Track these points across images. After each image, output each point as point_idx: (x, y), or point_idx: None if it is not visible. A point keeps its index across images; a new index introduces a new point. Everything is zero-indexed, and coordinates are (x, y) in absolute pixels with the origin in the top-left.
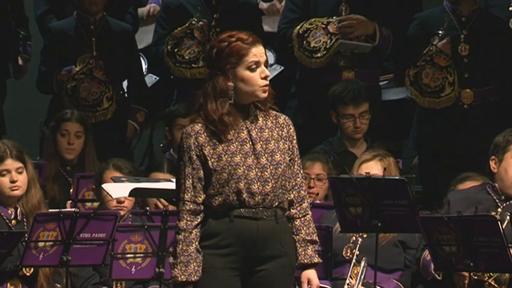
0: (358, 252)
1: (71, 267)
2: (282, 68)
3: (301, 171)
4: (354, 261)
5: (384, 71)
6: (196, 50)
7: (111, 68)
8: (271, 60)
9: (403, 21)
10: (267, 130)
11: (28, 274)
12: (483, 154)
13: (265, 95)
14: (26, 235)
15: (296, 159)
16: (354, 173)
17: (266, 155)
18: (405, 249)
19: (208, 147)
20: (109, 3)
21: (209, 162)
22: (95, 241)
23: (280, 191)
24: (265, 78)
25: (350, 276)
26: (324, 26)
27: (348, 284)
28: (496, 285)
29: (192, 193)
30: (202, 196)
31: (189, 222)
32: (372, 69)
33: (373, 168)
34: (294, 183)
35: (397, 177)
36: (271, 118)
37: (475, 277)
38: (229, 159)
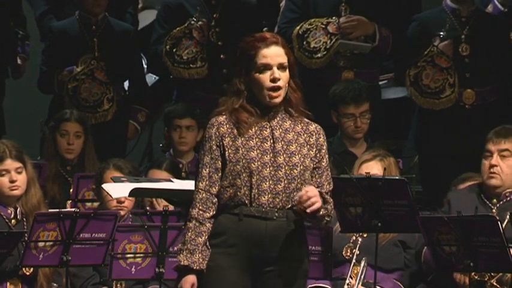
0: (358, 252)
1: (71, 267)
2: None
3: (331, 184)
4: (354, 261)
5: (384, 71)
6: (195, 50)
7: (112, 68)
8: None
9: (402, 22)
10: (292, 133)
11: (28, 274)
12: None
13: (275, 100)
14: (26, 235)
15: (325, 170)
16: (354, 173)
17: (284, 155)
18: (405, 249)
19: (228, 138)
20: (109, 3)
21: (226, 153)
22: (95, 241)
23: (295, 193)
24: (273, 80)
25: (350, 276)
26: (323, 26)
27: (348, 284)
28: (498, 286)
29: (207, 182)
30: (217, 187)
31: (201, 212)
32: (371, 69)
33: (373, 168)
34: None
35: (397, 177)
36: (301, 124)
37: (477, 277)
38: (245, 152)
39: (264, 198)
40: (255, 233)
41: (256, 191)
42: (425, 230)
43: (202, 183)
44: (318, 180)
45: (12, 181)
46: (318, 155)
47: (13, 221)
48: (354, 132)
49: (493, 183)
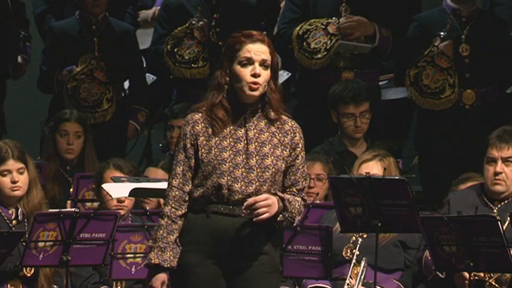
0: (358, 252)
1: (71, 267)
2: (290, 74)
3: (307, 179)
4: (354, 261)
5: (384, 71)
6: (196, 50)
7: (112, 68)
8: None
9: (402, 22)
10: (267, 134)
11: (29, 275)
12: (483, 155)
13: (253, 93)
14: (26, 235)
15: (300, 166)
16: (354, 173)
17: (257, 157)
18: (405, 249)
19: (203, 137)
20: (109, 3)
21: (199, 152)
22: (95, 241)
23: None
24: (253, 75)
25: (350, 276)
26: (323, 26)
27: (348, 284)
28: (496, 286)
29: (181, 180)
30: (190, 185)
31: (173, 210)
32: (372, 70)
33: (373, 168)
34: (293, 190)
35: (397, 177)
36: (277, 123)
37: (476, 277)
38: (217, 153)
39: (233, 198)
40: (222, 230)
41: (226, 191)
42: (425, 230)
43: (175, 181)
44: (293, 177)
45: (14, 182)
46: (292, 154)
47: (14, 221)
48: (354, 132)
49: (498, 190)
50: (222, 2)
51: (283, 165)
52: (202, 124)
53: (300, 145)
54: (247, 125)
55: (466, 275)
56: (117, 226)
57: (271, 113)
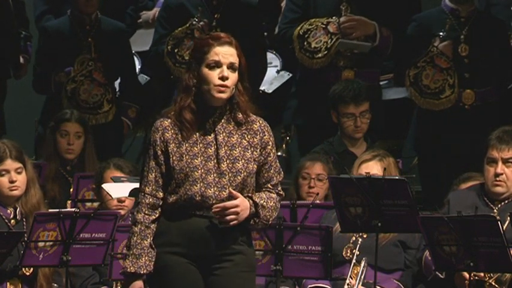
0: (358, 252)
1: (71, 267)
2: (290, 75)
3: (281, 173)
4: (354, 261)
5: (384, 71)
6: None
7: (109, 69)
8: (278, 65)
9: (402, 22)
10: (236, 136)
11: (28, 274)
12: (483, 155)
13: (221, 95)
14: (26, 235)
15: (273, 163)
16: (354, 173)
17: (228, 161)
18: (405, 249)
19: (173, 144)
20: (107, 3)
21: (171, 160)
22: (95, 241)
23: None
24: (221, 78)
25: (350, 276)
26: (323, 26)
27: (348, 284)
28: (496, 286)
29: (154, 187)
30: (162, 192)
31: (146, 216)
32: (372, 69)
33: (373, 168)
34: (268, 186)
35: (397, 177)
36: (246, 124)
37: (476, 277)
38: (189, 160)
39: (207, 204)
40: (197, 231)
41: (200, 197)
42: (425, 230)
43: (148, 188)
44: (266, 175)
45: (11, 181)
46: (263, 153)
47: (12, 221)
48: (354, 132)
49: (499, 191)
50: (222, 2)
51: (255, 167)
52: (172, 131)
53: (271, 143)
54: (216, 129)
55: (466, 275)
56: (117, 226)
57: (239, 115)
